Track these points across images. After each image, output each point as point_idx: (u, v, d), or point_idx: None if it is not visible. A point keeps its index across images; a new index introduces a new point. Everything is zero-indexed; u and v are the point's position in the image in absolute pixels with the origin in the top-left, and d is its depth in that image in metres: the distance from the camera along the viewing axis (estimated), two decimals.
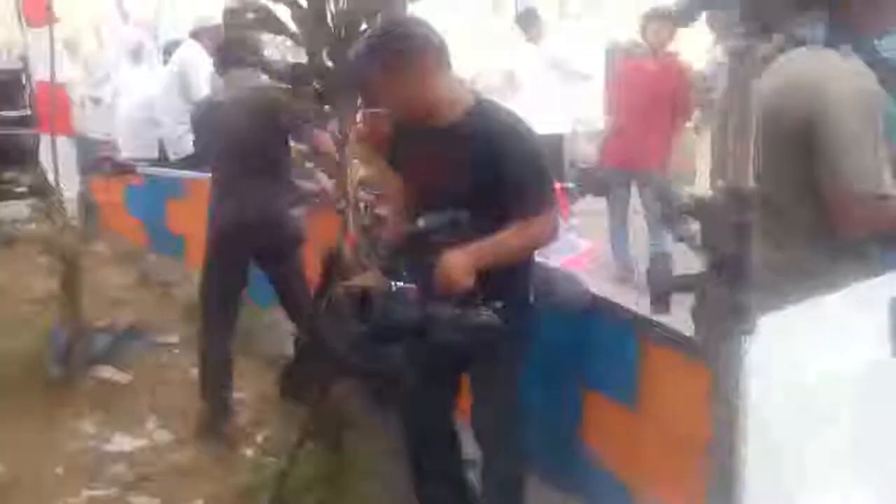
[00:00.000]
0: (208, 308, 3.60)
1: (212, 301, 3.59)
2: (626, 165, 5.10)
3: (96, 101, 8.80)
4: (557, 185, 5.26)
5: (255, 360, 4.20)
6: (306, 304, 3.48)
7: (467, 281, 2.07)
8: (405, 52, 2.17)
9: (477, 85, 5.44)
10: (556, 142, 5.96)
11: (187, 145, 5.35)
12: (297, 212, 3.54)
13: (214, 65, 3.65)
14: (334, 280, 3.44)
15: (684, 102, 5.10)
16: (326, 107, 3.00)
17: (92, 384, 4.05)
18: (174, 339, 4.70)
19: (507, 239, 2.17)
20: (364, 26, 2.77)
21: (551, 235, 2.27)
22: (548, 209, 2.21)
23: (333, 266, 3.47)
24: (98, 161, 4.38)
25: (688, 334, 2.05)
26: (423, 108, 2.23)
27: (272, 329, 4.41)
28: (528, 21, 6.39)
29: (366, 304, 2.01)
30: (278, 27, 2.85)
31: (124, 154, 5.88)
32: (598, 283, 4.58)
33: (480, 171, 2.17)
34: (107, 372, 4.13)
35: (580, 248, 4.20)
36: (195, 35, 5.43)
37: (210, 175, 3.62)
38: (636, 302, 2.47)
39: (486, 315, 2.05)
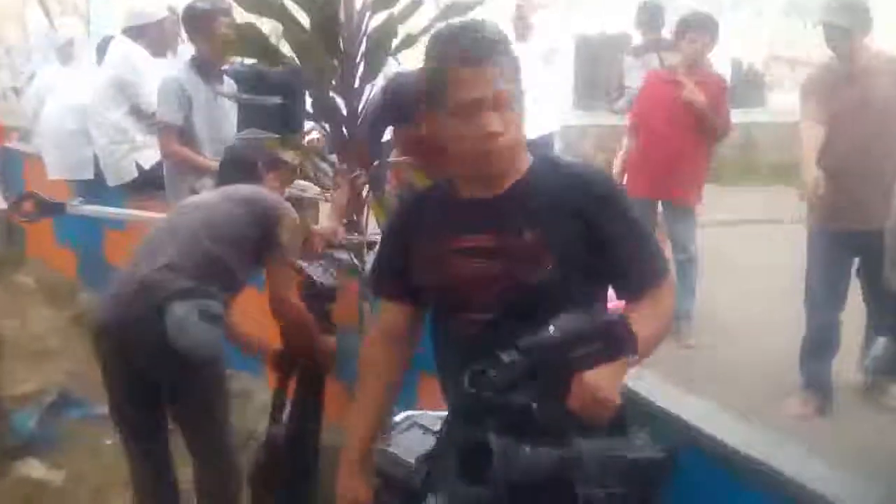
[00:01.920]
0: (119, 433, 2.67)
1: (120, 429, 2.63)
2: (653, 195, 4.44)
3: (18, 93, 7.80)
4: None
5: None
6: (207, 447, 2.57)
7: (617, 398, 1.46)
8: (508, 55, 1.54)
9: None
10: (549, 142, 5.32)
11: (127, 168, 4.50)
12: (183, 312, 2.30)
13: (219, 175, 2.74)
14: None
15: (725, 122, 4.45)
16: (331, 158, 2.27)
17: (12, 485, 3.21)
18: None
19: (650, 325, 1.55)
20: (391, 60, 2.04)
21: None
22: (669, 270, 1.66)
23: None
24: (19, 199, 3.50)
25: None
26: (508, 146, 1.55)
27: (244, 399, 3.65)
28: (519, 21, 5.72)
29: (484, 459, 1.40)
30: (270, 55, 2.08)
31: (52, 174, 4.97)
32: None
33: (576, 240, 1.56)
34: (33, 467, 3.29)
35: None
36: (131, 32, 4.51)
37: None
38: None
39: (642, 442, 1.50)
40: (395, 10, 2.06)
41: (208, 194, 2.65)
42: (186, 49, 4.76)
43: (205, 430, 2.54)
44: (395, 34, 2.02)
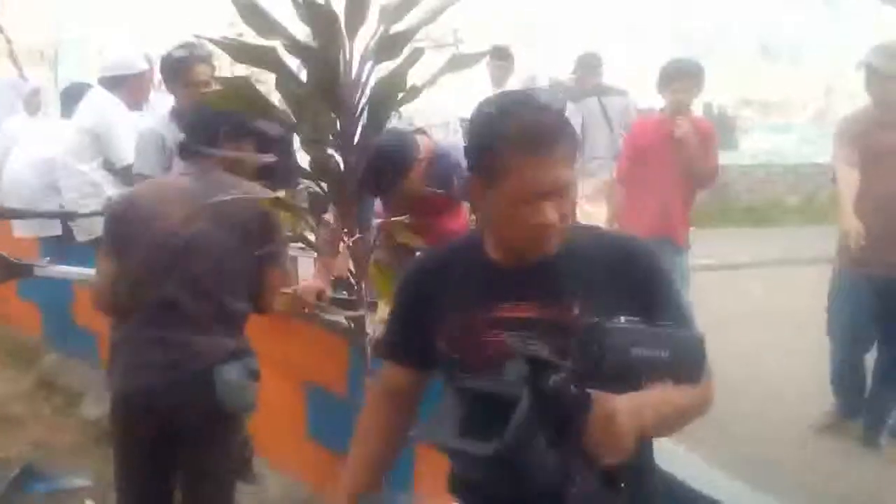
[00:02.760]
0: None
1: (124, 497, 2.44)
2: (645, 236, 4.37)
3: None
4: None
5: None
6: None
7: (631, 445, 1.31)
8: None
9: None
10: None
11: (98, 223, 4.28)
12: (235, 375, 2.28)
13: (181, 147, 2.48)
14: None
15: (712, 170, 4.42)
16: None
17: None
18: (84, 480, 3.60)
19: (677, 398, 1.37)
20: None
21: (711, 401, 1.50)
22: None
23: None
24: None
25: None
26: (559, 233, 1.45)
27: None
28: (499, 60, 5.67)
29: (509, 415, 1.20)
30: (262, 108, 1.93)
31: (17, 231, 4.73)
32: None
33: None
34: None
35: None
36: (108, 83, 4.33)
37: (113, 301, 2.37)
38: None
39: None
40: (399, 60, 1.92)
41: (190, 213, 2.30)
42: (156, 98, 4.62)
43: (211, 478, 2.40)
44: (403, 86, 1.88)
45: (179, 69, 3.47)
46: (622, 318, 1.25)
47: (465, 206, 3.14)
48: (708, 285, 6.16)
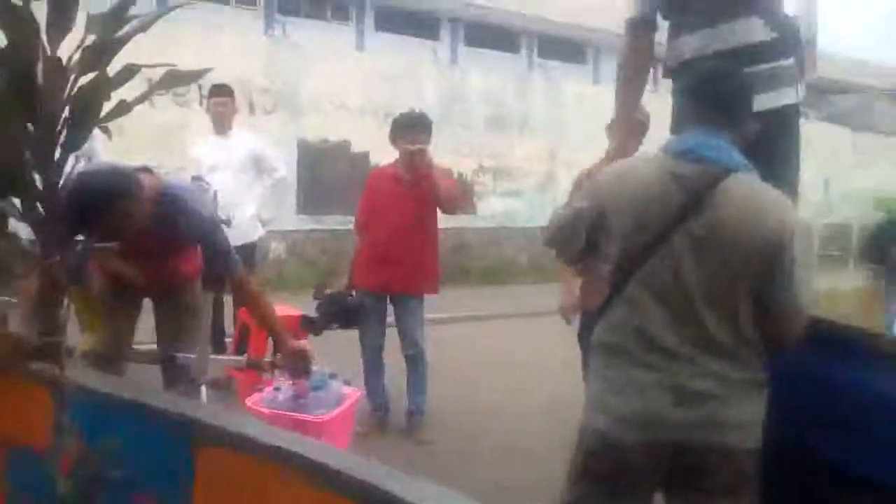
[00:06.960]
0: None
1: None
2: (384, 289, 4.42)
3: None
4: (294, 313, 4.39)
5: None
6: None
7: None
8: None
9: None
10: (251, 251, 5.22)
11: None
12: None
13: None
14: None
15: (456, 191, 4.62)
16: None
17: None
18: None
19: None
20: None
21: None
22: None
23: None
24: None
25: None
26: None
27: None
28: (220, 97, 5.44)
29: None
30: None
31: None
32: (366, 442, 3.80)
33: None
34: None
35: (346, 399, 3.37)
36: None
37: None
38: None
39: None
40: (107, 73, 1.81)
41: None
42: None
43: None
44: (106, 95, 1.76)
45: None
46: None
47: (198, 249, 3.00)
48: (450, 338, 6.43)
